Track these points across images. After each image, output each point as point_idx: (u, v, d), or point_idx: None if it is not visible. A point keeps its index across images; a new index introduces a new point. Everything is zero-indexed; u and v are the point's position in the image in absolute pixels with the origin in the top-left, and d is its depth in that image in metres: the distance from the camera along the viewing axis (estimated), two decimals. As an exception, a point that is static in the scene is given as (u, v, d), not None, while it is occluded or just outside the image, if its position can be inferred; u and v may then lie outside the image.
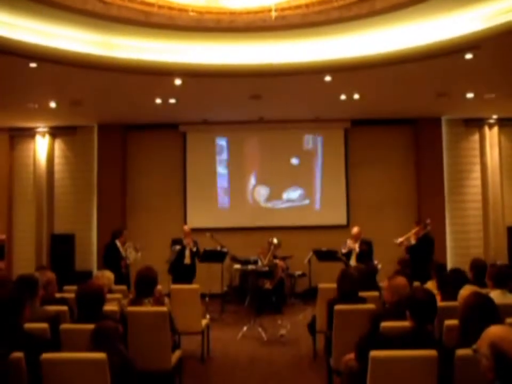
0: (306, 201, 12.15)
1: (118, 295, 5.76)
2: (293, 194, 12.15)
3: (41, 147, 11.96)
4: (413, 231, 9.24)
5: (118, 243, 9.37)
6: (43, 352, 3.38)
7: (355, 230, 9.53)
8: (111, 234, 9.71)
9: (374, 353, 3.34)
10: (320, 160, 12.15)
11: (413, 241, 9.00)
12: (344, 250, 9.44)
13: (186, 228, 10.15)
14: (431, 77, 8.64)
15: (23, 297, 3.70)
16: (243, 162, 12.20)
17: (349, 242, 9.40)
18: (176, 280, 9.16)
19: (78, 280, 4.94)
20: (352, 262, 9.13)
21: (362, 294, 5.45)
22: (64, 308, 4.87)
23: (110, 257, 9.26)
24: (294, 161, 12.19)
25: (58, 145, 12.17)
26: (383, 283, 5.68)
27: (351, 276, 5.37)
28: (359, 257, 9.14)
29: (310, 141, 12.21)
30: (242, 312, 9.83)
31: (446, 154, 11.91)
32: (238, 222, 11.94)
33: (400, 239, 9.22)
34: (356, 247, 9.31)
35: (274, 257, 10.16)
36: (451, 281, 5.05)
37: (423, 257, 8.43)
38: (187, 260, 9.71)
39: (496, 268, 5.09)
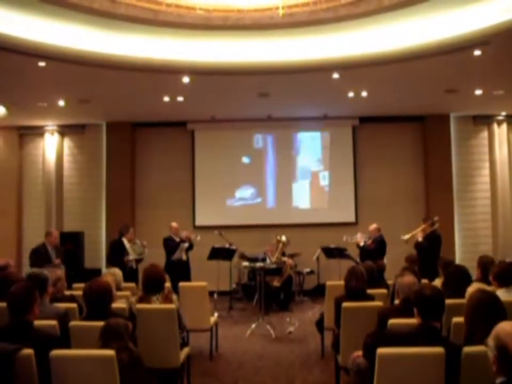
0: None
1: (126, 293, 5.79)
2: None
3: (50, 145, 12.02)
4: (420, 228, 9.23)
5: (125, 240, 9.36)
6: (52, 349, 3.40)
7: (371, 226, 9.55)
8: (118, 231, 9.67)
9: (381, 350, 3.34)
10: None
11: (420, 238, 8.99)
12: (344, 238, 9.65)
13: (175, 224, 9.93)
14: (440, 73, 8.62)
15: (33, 295, 3.73)
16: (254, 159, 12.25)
17: (358, 236, 9.48)
18: (174, 279, 8.96)
19: (87, 278, 4.95)
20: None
21: (370, 291, 5.45)
22: (74, 305, 4.90)
23: (115, 254, 9.22)
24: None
25: (67, 143, 12.25)
26: (391, 281, 5.68)
27: (359, 273, 5.37)
28: (362, 253, 9.20)
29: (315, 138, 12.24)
30: (251, 310, 9.86)
31: (455, 151, 11.86)
32: (247, 219, 11.97)
33: (407, 236, 9.21)
34: (361, 242, 9.35)
35: (283, 254, 10.17)
36: (456, 278, 5.03)
37: (430, 254, 8.41)
38: (184, 257, 9.69)
39: (499, 267, 5.04)
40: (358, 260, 9.23)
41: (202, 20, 7.22)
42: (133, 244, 9.42)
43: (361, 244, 9.36)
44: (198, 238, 9.83)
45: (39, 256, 8.77)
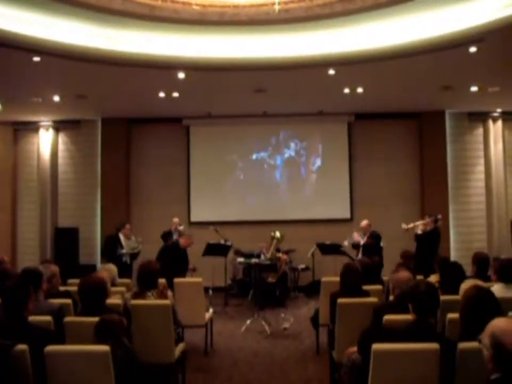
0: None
1: (121, 288, 5.78)
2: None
3: (45, 141, 11.99)
4: (423, 221, 9.23)
5: (121, 236, 9.38)
6: (47, 344, 3.39)
7: (363, 223, 9.55)
8: (116, 226, 9.70)
9: (376, 346, 3.34)
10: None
11: (419, 231, 8.99)
12: (346, 243, 9.48)
13: (175, 219, 10.20)
14: (435, 70, 8.62)
15: (27, 290, 3.71)
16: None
17: (355, 236, 9.43)
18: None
19: (82, 274, 4.94)
20: (359, 255, 9.16)
21: (365, 287, 5.45)
22: (68, 301, 4.88)
23: (110, 249, 9.25)
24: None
25: (62, 139, 12.21)
26: (386, 277, 5.68)
27: (354, 269, 5.37)
28: (364, 251, 9.17)
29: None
30: (246, 306, 9.86)
31: (450, 148, 11.89)
32: (241, 215, 11.96)
33: (408, 225, 9.22)
34: (361, 240, 9.33)
35: (278, 250, 10.15)
36: (451, 275, 5.03)
37: (428, 251, 8.43)
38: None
39: (501, 262, 5.07)
40: (359, 258, 9.20)
41: (198, 15, 7.19)
42: (127, 239, 9.46)
43: (362, 242, 9.35)
44: (181, 227, 10.17)
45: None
